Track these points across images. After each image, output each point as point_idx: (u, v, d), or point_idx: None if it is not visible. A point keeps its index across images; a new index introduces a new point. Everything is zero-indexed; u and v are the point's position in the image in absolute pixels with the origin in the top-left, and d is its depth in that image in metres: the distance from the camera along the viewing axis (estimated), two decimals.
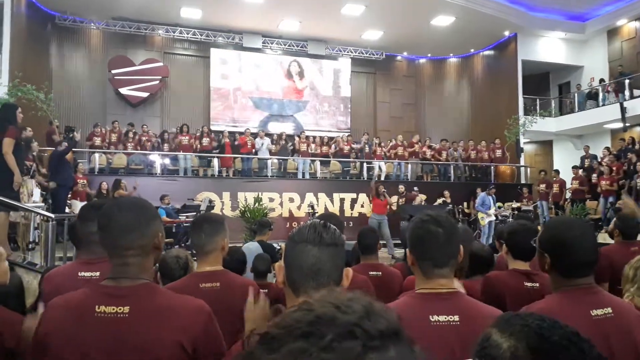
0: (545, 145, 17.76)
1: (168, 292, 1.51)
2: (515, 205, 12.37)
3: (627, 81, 14.24)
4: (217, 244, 2.19)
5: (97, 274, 1.91)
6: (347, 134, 16.14)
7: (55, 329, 1.36)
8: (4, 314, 1.95)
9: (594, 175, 12.55)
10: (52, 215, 5.38)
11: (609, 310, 1.59)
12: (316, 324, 0.57)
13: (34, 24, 13.63)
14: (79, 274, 1.93)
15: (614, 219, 3.76)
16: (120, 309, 1.36)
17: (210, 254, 2.19)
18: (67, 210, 8.11)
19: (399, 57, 18.51)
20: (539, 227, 2.35)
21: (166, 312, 1.40)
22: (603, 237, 7.84)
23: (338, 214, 12.40)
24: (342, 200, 12.85)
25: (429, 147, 15.00)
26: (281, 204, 12.35)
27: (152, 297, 1.42)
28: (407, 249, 1.66)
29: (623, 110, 13.57)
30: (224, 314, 2.08)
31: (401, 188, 12.03)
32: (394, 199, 11.69)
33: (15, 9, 12.06)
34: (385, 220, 10.53)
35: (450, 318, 1.47)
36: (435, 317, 1.46)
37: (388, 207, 11.02)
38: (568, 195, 12.78)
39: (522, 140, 15.70)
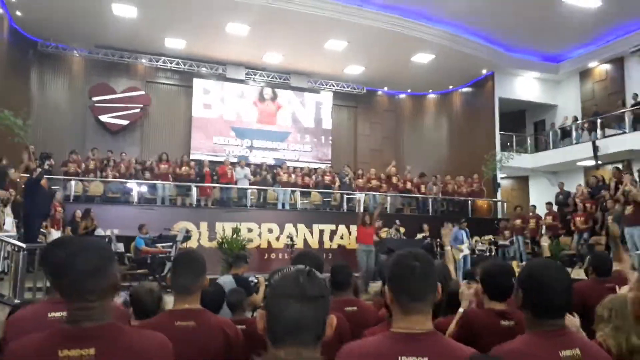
0: (522, 181, 18.13)
1: (131, 329, 1.48)
2: (489, 238, 12.48)
3: (598, 120, 14.74)
4: (201, 284, 2.21)
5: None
6: (328, 165, 16.25)
7: None
8: None
9: (568, 211, 12.81)
10: (24, 245, 5.24)
11: (578, 351, 1.62)
12: None
13: (16, 50, 13.57)
14: (49, 315, 1.84)
15: (588, 257, 3.82)
16: (85, 352, 1.31)
17: (193, 293, 2.19)
18: (42, 238, 7.90)
19: (379, 92, 18.88)
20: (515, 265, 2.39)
21: (134, 351, 1.38)
22: (577, 273, 7.97)
23: (317, 245, 12.36)
24: (321, 232, 12.80)
25: (410, 180, 15.17)
26: (260, 234, 12.24)
27: (116, 337, 1.39)
28: (384, 286, 1.64)
29: (595, 148, 13.99)
30: (198, 353, 2.06)
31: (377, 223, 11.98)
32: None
33: None
34: (373, 252, 10.28)
35: (420, 359, 1.45)
36: (404, 359, 1.44)
37: (376, 235, 10.87)
38: (544, 230, 12.99)
39: (499, 175, 16.01)
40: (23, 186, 8.38)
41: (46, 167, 8.24)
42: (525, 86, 17.11)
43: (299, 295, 1.16)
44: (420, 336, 1.50)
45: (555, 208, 13.43)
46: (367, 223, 10.22)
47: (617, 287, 3.20)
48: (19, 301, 4.72)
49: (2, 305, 4.54)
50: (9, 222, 7.66)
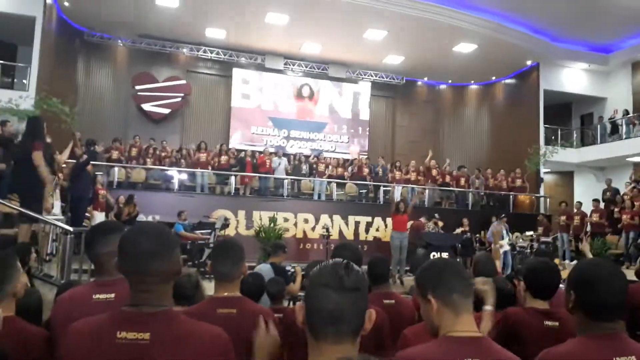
0: (566, 176, 17.50)
1: (188, 319, 1.49)
2: (532, 234, 12.12)
3: None
4: (241, 271, 2.24)
5: (112, 295, 1.87)
6: (364, 157, 16.15)
7: (77, 352, 1.36)
8: (29, 328, 1.95)
9: (616, 210, 12.29)
10: (71, 229, 5.43)
11: (634, 358, 1.54)
12: None
13: (63, 39, 14.02)
14: (94, 297, 1.87)
15: None
16: (140, 335, 1.34)
17: (234, 280, 2.22)
18: (86, 222, 8.19)
19: (419, 83, 18.57)
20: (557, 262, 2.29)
21: (186, 340, 1.39)
22: (625, 274, 7.64)
23: (352, 237, 12.33)
24: (357, 224, 12.76)
25: (449, 174, 14.90)
26: (295, 224, 12.31)
27: (172, 324, 1.40)
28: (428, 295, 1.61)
29: None
30: (239, 342, 2.07)
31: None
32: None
33: (45, 25, 12.44)
34: (406, 240, 10.24)
35: None
36: None
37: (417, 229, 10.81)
38: (588, 228, 12.52)
39: (543, 170, 15.50)
40: (70, 171, 8.69)
41: (95, 149, 8.53)
42: (572, 78, 16.46)
43: (337, 286, 1.17)
44: (476, 340, 1.50)
45: (602, 205, 12.90)
46: (401, 210, 10.14)
47: None
48: (63, 282, 4.91)
49: (50, 285, 4.73)
50: (57, 205, 7.97)
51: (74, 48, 14.91)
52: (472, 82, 18.37)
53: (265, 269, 4.92)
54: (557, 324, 2.34)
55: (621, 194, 13.01)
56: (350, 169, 14.82)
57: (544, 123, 15.96)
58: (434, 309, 1.54)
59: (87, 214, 8.91)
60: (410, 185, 14.21)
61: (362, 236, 12.66)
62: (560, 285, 3.15)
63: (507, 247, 10.78)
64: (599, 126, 16.01)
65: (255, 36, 15.22)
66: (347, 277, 1.18)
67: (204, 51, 16.17)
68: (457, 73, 17.37)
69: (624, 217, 11.67)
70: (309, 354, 1.21)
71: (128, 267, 1.41)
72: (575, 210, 13.10)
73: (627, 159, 14.56)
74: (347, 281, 1.17)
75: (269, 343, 1.61)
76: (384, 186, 14.04)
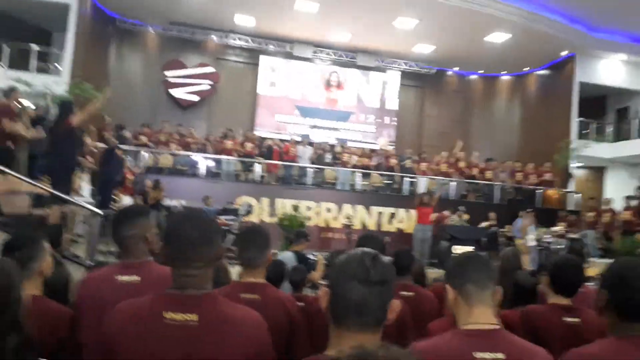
0: (597, 172, 16.99)
1: (229, 302, 1.53)
2: (558, 230, 11.82)
3: None
4: (266, 257, 2.26)
5: (138, 278, 1.89)
6: (391, 147, 16.00)
7: (124, 332, 1.39)
8: (55, 307, 2.00)
9: None
10: (99, 211, 5.56)
11: None
12: None
13: (97, 26, 14.26)
14: (119, 279, 1.90)
15: None
16: (189, 317, 1.38)
17: (259, 267, 2.24)
18: (113, 205, 8.35)
19: (449, 72, 18.23)
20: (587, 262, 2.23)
21: (233, 323, 1.43)
22: None
23: (375, 228, 12.28)
24: (379, 214, 12.70)
25: (476, 166, 14.64)
26: (318, 213, 12.33)
27: (217, 306, 1.45)
28: (446, 283, 1.63)
29: None
30: None
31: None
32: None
33: (80, 11, 12.67)
34: (430, 233, 10.23)
35: (495, 355, 1.43)
36: (480, 355, 1.43)
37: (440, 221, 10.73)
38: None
39: (573, 164, 15.08)
40: (101, 155, 8.87)
41: (124, 133, 8.69)
42: (609, 70, 15.87)
43: (364, 278, 1.17)
44: (491, 332, 1.49)
45: (634, 203, 12.48)
46: (425, 203, 10.09)
47: None
48: (91, 263, 5.03)
49: (78, 265, 4.85)
50: (87, 188, 8.16)
51: (107, 34, 15.16)
52: (504, 72, 17.94)
53: (287, 257, 4.96)
54: (578, 320, 2.32)
55: None
56: (376, 159, 14.71)
57: (578, 116, 15.49)
58: (451, 299, 1.58)
59: (114, 197, 9.09)
60: (437, 177, 14.04)
61: (385, 227, 12.59)
62: (587, 284, 3.07)
63: (533, 242, 10.55)
64: (635, 120, 15.43)
65: (284, 24, 15.17)
66: (374, 270, 1.18)
67: (233, 38, 16.23)
68: (489, 63, 16.98)
69: None
70: (330, 340, 1.21)
71: (174, 253, 1.45)
72: (604, 207, 12.73)
73: None
74: (373, 274, 1.18)
75: None
76: (410, 177, 13.90)
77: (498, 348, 1.45)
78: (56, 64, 13.13)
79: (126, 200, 9.30)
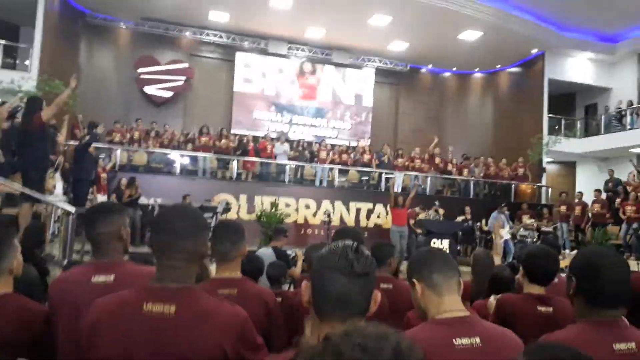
0: (569, 167, 17.46)
1: (210, 296, 1.52)
2: (530, 222, 12.12)
3: None
4: (240, 251, 2.25)
5: (111, 278, 1.84)
6: (367, 144, 16.10)
7: (102, 323, 1.39)
8: (28, 304, 1.96)
9: (617, 200, 12.27)
10: (73, 210, 5.45)
11: (633, 345, 1.54)
12: None
13: (66, 21, 13.92)
14: (92, 279, 1.84)
15: None
16: (167, 308, 1.39)
17: (233, 261, 2.23)
18: (89, 203, 8.21)
19: (423, 70, 18.44)
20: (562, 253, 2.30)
21: (210, 315, 1.43)
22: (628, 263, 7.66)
23: (353, 223, 12.36)
24: (358, 210, 12.79)
25: (451, 162, 14.88)
26: (297, 210, 12.34)
27: (196, 299, 1.45)
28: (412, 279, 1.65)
29: None
30: None
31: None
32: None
33: (48, 5, 12.34)
34: (406, 232, 10.39)
35: (472, 340, 1.48)
36: (459, 341, 1.47)
37: (412, 218, 10.86)
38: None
39: (545, 159, 15.46)
40: (72, 153, 8.69)
41: (97, 131, 8.51)
42: (577, 67, 16.32)
43: (348, 270, 1.17)
44: (464, 319, 1.54)
45: (603, 196, 12.89)
46: (400, 204, 10.23)
47: None
48: (66, 262, 4.94)
49: (52, 265, 4.76)
50: (59, 187, 7.98)
51: (77, 29, 14.81)
52: (477, 70, 18.25)
53: (267, 253, 4.96)
54: (550, 309, 2.36)
55: (623, 184, 13.00)
56: (353, 155, 14.80)
57: (548, 113, 15.87)
58: (419, 292, 1.60)
59: (89, 196, 8.93)
60: (412, 173, 14.21)
61: (363, 223, 12.69)
62: (561, 274, 3.17)
63: (507, 236, 10.81)
64: (603, 117, 15.91)
65: (259, 20, 15.09)
66: (357, 262, 1.18)
67: (207, 35, 16.06)
68: (462, 61, 17.25)
69: (627, 207, 11.66)
70: (310, 331, 1.22)
71: (160, 242, 1.47)
72: (576, 201, 13.11)
73: (630, 150, 14.50)
74: (357, 266, 1.17)
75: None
76: (387, 173, 14.04)
77: (473, 333, 1.49)
78: (24, 60, 12.79)
79: (101, 200, 9.15)
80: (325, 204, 12.49)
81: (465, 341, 1.47)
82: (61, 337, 1.82)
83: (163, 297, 1.40)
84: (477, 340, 1.48)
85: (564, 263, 4.86)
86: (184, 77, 15.93)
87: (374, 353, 0.56)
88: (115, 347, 1.36)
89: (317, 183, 13.62)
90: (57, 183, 7.84)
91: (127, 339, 1.36)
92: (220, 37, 16.14)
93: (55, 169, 7.95)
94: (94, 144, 9.03)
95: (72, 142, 8.94)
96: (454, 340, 1.46)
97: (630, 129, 14.70)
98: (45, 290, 2.39)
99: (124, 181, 10.32)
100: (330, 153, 14.51)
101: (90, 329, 1.40)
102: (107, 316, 1.39)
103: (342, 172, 14.22)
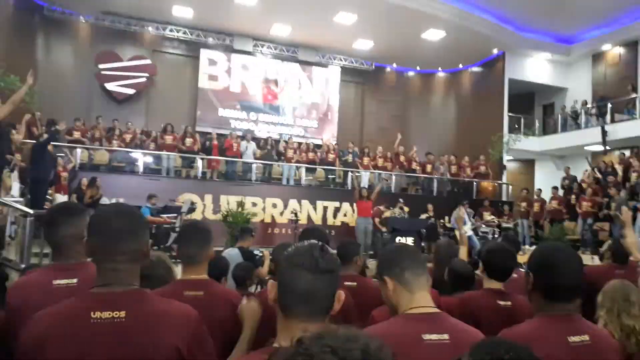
0: (528, 164, 18.03)
1: (158, 297, 1.51)
2: (490, 218, 12.45)
3: (609, 105, 14.55)
4: (207, 254, 2.22)
5: (74, 281, 1.81)
6: (333, 142, 16.17)
7: (50, 337, 1.33)
8: None
9: (573, 197, 12.76)
10: (31, 211, 5.26)
11: (587, 337, 1.62)
12: None
13: (21, 14, 13.40)
14: (54, 282, 1.80)
15: (609, 241, 3.80)
16: (116, 314, 1.36)
17: (200, 263, 2.21)
18: (47, 204, 7.94)
19: (388, 69, 18.63)
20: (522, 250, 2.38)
21: (161, 317, 1.42)
22: (583, 259, 7.98)
23: (321, 222, 12.41)
24: (325, 209, 12.83)
25: (415, 160, 15.12)
26: (264, 209, 12.28)
27: (145, 302, 1.43)
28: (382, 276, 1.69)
29: (604, 133, 13.86)
30: (206, 323, 2.07)
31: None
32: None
33: None
34: (371, 226, 10.52)
35: (441, 337, 1.52)
36: (428, 336, 1.51)
37: (374, 216, 11.00)
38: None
39: (505, 157, 15.91)
40: (30, 152, 8.38)
41: (57, 129, 8.23)
42: (535, 68, 16.86)
43: (312, 267, 1.21)
44: (434, 315, 1.59)
45: (560, 192, 13.38)
46: (364, 196, 10.36)
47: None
48: (24, 266, 4.77)
49: (9, 269, 4.59)
50: (16, 187, 7.69)
51: (33, 23, 14.26)
52: (440, 69, 18.58)
53: (233, 254, 4.92)
54: (509, 303, 2.45)
55: (579, 181, 13.53)
56: (319, 154, 14.84)
57: (508, 112, 16.33)
58: (390, 289, 1.64)
59: (48, 197, 8.64)
60: (377, 171, 14.37)
61: (330, 221, 12.75)
62: (520, 269, 3.28)
63: (470, 232, 11.06)
64: (559, 116, 16.50)
65: (224, 16, 14.91)
66: (322, 259, 1.22)
67: (171, 30, 15.77)
68: (425, 60, 17.53)
69: (583, 203, 12.13)
70: (278, 330, 1.24)
71: (98, 245, 1.42)
72: (535, 197, 13.55)
73: (585, 148, 15.10)
74: (321, 263, 1.21)
75: (253, 308, 1.75)
76: (352, 172, 14.14)
77: (442, 329, 1.54)
78: None
79: (61, 199, 8.86)
80: (293, 203, 12.47)
81: (434, 337, 1.51)
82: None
83: (111, 303, 1.37)
84: (446, 336, 1.52)
85: (523, 259, 5.02)
86: (146, 74, 15.59)
87: (344, 355, 0.58)
88: (66, 359, 1.32)
89: (284, 182, 13.59)
90: (13, 183, 7.54)
91: (78, 349, 1.32)
92: (185, 33, 15.88)
93: (12, 169, 7.64)
94: (53, 143, 8.74)
95: (30, 141, 8.61)
96: (423, 335, 1.51)
97: (584, 127, 15.29)
98: (2, 296, 2.31)
99: (84, 181, 10.03)
100: (298, 151, 14.50)
101: (35, 344, 1.33)
102: (53, 329, 1.34)
103: (309, 171, 14.24)
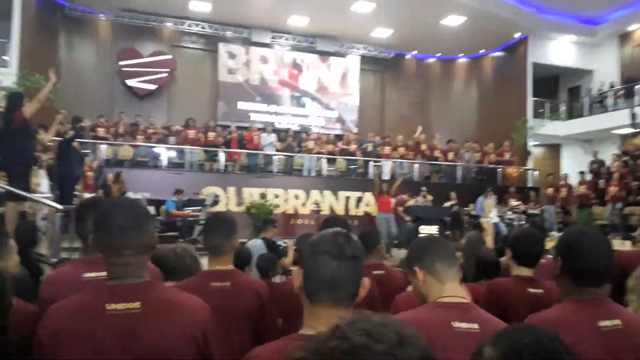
0: (554, 149, 17.66)
1: (170, 288, 1.53)
2: (516, 205, 12.27)
3: (637, 86, 14.12)
4: (232, 244, 2.24)
5: (104, 273, 1.84)
6: (354, 132, 16.12)
7: (65, 330, 1.35)
8: (21, 305, 1.95)
9: (602, 181, 12.48)
10: (60, 207, 5.40)
11: (618, 322, 1.58)
12: (351, 354, 0.57)
13: (44, 14, 13.64)
14: (84, 276, 1.83)
15: None
16: (131, 305, 1.37)
17: (225, 254, 2.23)
18: (75, 201, 8.12)
19: (407, 56, 18.42)
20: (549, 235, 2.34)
21: (177, 307, 1.43)
22: (610, 242, 7.81)
23: (343, 212, 12.42)
24: (347, 199, 12.83)
25: (437, 148, 14.96)
26: (286, 200, 12.35)
27: (159, 293, 1.45)
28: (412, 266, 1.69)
29: (634, 115, 13.47)
30: (233, 313, 2.11)
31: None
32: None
33: None
34: (392, 219, 10.50)
35: (471, 325, 1.52)
36: (458, 324, 1.52)
37: (398, 205, 10.96)
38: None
39: (530, 143, 15.62)
40: (56, 149, 8.57)
41: (82, 126, 8.39)
42: (559, 50, 16.44)
43: (337, 253, 1.21)
44: (464, 305, 1.59)
45: (588, 177, 13.09)
46: (384, 192, 10.34)
47: None
48: (55, 260, 4.90)
49: (42, 264, 4.72)
50: (45, 184, 7.88)
51: (55, 22, 14.51)
52: (461, 55, 18.29)
53: (257, 245, 4.98)
54: (540, 291, 2.40)
55: (607, 165, 13.20)
56: (340, 144, 14.81)
57: (532, 96, 16.00)
58: (420, 280, 1.64)
59: (76, 193, 8.83)
60: (399, 160, 14.27)
61: (353, 211, 12.74)
62: (548, 255, 3.23)
63: (496, 219, 10.94)
64: (586, 99, 16.09)
65: (241, 9, 14.93)
66: (347, 246, 1.22)
67: (189, 25, 15.87)
68: (446, 46, 17.27)
69: (611, 188, 11.85)
70: (304, 318, 1.25)
71: (105, 241, 1.43)
72: (562, 182, 13.28)
73: (613, 131, 14.72)
74: (347, 250, 1.21)
75: None
76: (375, 162, 14.08)
77: (473, 319, 1.53)
78: (2, 55, 12.53)
79: (87, 196, 9.04)
80: (314, 194, 12.51)
81: (464, 325, 1.51)
82: None
83: (124, 295, 1.38)
84: (476, 325, 1.52)
85: (550, 245, 4.94)
86: (167, 69, 15.75)
87: (379, 338, 0.59)
88: (84, 352, 1.33)
89: (305, 173, 13.62)
90: (41, 181, 7.74)
91: (95, 341, 1.33)
92: (203, 27, 15.96)
93: (39, 166, 7.84)
94: (78, 140, 8.91)
95: (57, 139, 8.79)
96: (452, 323, 1.51)
97: (612, 110, 14.89)
98: (36, 290, 2.38)
99: (110, 177, 10.23)
100: (318, 142, 14.50)
101: (50, 338, 1.35)
102: (69, 323, 1.35)
103: (330, 162, 14.23)
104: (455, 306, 1.57)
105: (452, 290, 1.61)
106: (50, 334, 1.35)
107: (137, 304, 1.37)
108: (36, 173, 7.25)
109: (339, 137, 15.68)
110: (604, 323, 1.56)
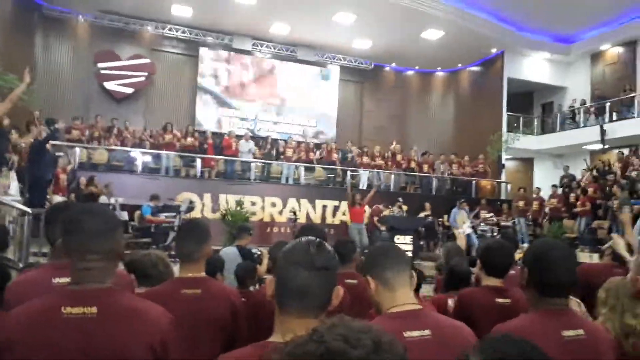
0: (527, 163, 18.05)
1: (132, 296, 1.52)
2: (489, 217, 12.46)
3: (607, 104, 14.57)
4: (205, 251, 2.22)
5: None
6: (333, 141, 16.18)
7: (21, 333, 1.35)
8: None
9: (572, 195, 12.78)
10: (29, 210, 5.27)
11: (581, 332, 1.62)
12: (327, 358, 0.57)
13: (20, 12, 13.37)
14: (53, 281, 1.81)
15: (611, 240, 3.79)
16: (87, 309, 1.37)
17: (197, 261, 2.20)
18: (47, 204, 7.93)
19: (387, 68, 18.64)
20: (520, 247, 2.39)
21: (135, 314, 1.42)
22: (582, 257, 8.00)
23: (320, 220, 12.42)
24: (324, 207, 12.84)
25: (413, 159, 15.13)
26: (263, 208, 12.29)
27: (118, 299, 1.44)
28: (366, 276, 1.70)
29: (603, 132, 13.88)
30: (203, 321, 2.09)
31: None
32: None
33: None
34: (364, 229, 10.59)
35: (422, 333, 1.52)
36: (409, 333, 1.51)
37: (374, 215, 11.03)
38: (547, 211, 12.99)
39: (504, 156, 15.93)
40: (28, 150, 8.37)
41: (56, 128, 8.20)
42: (534, 67, 16.87)
43: (308, 264, 1.21)
44: (415, 312, 1.59)
45: (559, 191, 13.40)
46: (357, 203, 10.42)
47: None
48: (22, 265, 4.77)
49: (9, 269, 4.59)
50: (14, 186, 7.68)
51: (32, 22, 14.24)
52: (439, 68, 18.58)
53: (231, 252, 4.91)
54: (508, 301, 2.43)
55: (577, 180, 13.54)
56: (318, 153, 14.85)
57: (507, 111, 16.35)
58: (372, 289, 1.65)
59: (48, 197, 8.62)
60: (376, 170, 14.38)
61: (329, 220, 12.76)
62: (517, 266, 3.29)
63: (469, 230, 11.08)
64: (558, 115, 16.52)
65: (223, 15, 14.90)
66: (318, 257, 1.22)
67: (170, 29, 15.76)
68: (424, 59, 17.53)
69: (580, 203, 12.14)
70: (274, 326, 1.25)
71: (72, 245, 1.44)
72: (534, 196, 13.57)
73: (584, 147, 15.12)
74: (317, 260, 1.22)
75: None
76: (352, 171, 14.14)
77: (424, 326, 1.54)
78: None
79: (58, 200, 8.85)
80: (292, 202, 12.48)
81: (415, 333, 1.52)
82: None
83: (82, 299, 1.38)
84: (427, 332, 1.52)
85: (519, 256, 5.03)
86: (145, 73, 15.58)
87: (355, 344, 0.60)
88: (40, 355, 1.33)
89: (283, 181, 13.59)
90: (11, 182, 7.54)
91: (51, 344, 1.33)
92: (184, 32, 15.86)
93: (9, 167, 7.64)
94: (52, 142, 8.73)
95: (29, 140, 8.60)
96: (403, 333, 1.50)
97: (583, 126, 15.32)
98: (1, 296, 2.32)
99: (83, 180, 10.04)
100: (297, 150, 14.50)
101: (7, 343, 1.34)
102: (24, 327, 1.35)
103: (308, 170, 14.24)
104: (405, 315, 1.57)
105: (403, 297, 1.61)
106: (7, 339, 1.35)
107: (93, 309, 1.37)
108: (6, 174, 7.07)
109: (318, 146, 15.72)
110: (567, 333, 1.60)
